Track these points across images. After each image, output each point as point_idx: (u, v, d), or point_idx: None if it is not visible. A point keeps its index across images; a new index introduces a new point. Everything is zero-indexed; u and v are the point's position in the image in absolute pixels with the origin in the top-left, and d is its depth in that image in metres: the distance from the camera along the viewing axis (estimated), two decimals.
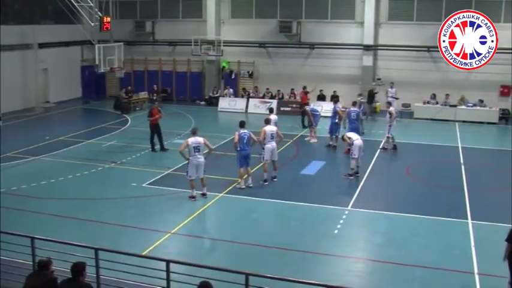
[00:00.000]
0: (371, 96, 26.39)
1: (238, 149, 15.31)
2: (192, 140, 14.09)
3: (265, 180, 15.90)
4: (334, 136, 20.58)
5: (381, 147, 20.21)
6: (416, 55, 27.28)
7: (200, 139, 14.16)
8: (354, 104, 20.85)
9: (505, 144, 21.29)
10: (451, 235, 12.49)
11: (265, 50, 29.92)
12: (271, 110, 19.51)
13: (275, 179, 16.21)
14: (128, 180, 16.17)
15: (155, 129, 19.66)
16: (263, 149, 15.95)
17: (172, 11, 31.35)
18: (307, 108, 22.25)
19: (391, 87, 26.45)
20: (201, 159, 14.13)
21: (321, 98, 27.49)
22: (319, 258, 11.19)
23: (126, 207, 14.14)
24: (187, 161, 14.26)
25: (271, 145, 15.94)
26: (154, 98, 29.69)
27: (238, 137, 15.24)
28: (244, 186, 15.41)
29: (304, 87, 25.84)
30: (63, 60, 30.52)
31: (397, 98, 25.97)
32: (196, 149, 14.07)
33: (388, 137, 20.09)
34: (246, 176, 15.55)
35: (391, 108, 20.35)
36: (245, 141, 15.27)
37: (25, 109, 27.38)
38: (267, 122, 16.58)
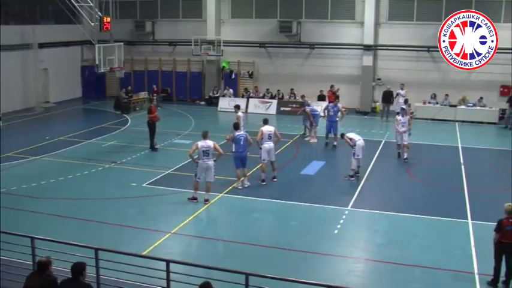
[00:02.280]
0: (389, 96, 26.28)
1: (233, 150, 15.31)
2: (201, 144, 13.96)
3: (263, 180, 15.91)
4: (334, 134, 20.62)
5: (405, 157, 18.38)
6: (416, 55, 27.27)
7: (210, 143, 14.03)
8: (406, 102, 22.10)
9: (505, 144, 21.29)
10: (451, 235, 12.49)
11: (265, 50, 29.91)
12: (237, 107, 19.45)
13: (275, 179, 16.21)
14: (128, 180, 16.17)
15: (152, 127, 19.67)
16: (260, 149, 15.93)
17: (172, 11, 31.35)
18: (307, 108, 22.25)
19: (402, 89, 25.83)
20: (210, 162, 14.03)
21: (321, 98, 27.47)
22: (319, 258, 11.19)
23: (126, 207, 14.14)
24: (196, 164, 14.14)
25: (268, 145, 15.88)
26: (154, 97, 29.69)
27: (233, 138, 15.24)
28: (241, 187, 15.42)
29: (332, 86, 26.00)
30: (63, 60, 30.53)
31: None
32: (206, 153, 13.94)
33: (406, 145, 18.45)
34: (242, 177, 15.56)
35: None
36: (241, 143, 15.24)
37: (25, 109, 27.38)
38: (265, 122, 16.46)
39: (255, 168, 17.26)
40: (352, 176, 16.56)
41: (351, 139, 16.58)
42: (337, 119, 20.62)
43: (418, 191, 15.88)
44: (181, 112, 27.79)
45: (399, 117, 18.80)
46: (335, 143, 20.51)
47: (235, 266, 8.90)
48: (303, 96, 25.16)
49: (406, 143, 18.43)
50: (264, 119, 16.84)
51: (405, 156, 18.43)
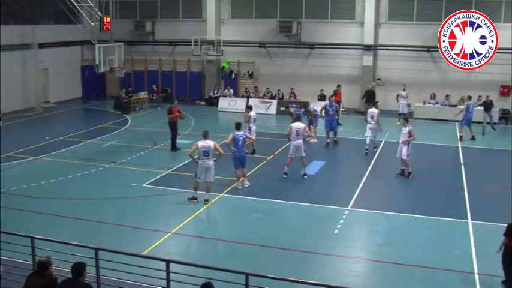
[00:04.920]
0: (371, 95, 26.26)
1: (233, 150, 15.32)
2: (201, 144, 13.96)
3: (285, 173, 16.36)
4: (334, 132, 20.93)
5: (398, 173, 16.90)
6: (416, 55, 27.27)
7: (210, 143, 14.02)
8: (470, 98, 22.68)
9: (505, 144, 21.30)
10: (451, 235, 12.49)
11: (265, 50, 29.91)
12: (249, 107, 20.05)
13: (305, 177, 16.37)
14: (128, 180, 16.16)
15: (174, 128, 19.65)
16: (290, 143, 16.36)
17: (172, 11, 31.35)
18: (310, 108, 22.27)
19: (404, 90, 25.38)
20: (211, 162, 14.03)
21: (321, 98, 27.47)
22: (319, 258, 11.19)
23: (126, 207, 14.14)
24: (196, 164, 14.17)
25: (296, 142, 16.14)
26: (154, 96, 29.69)
27: (232, 137, 15.28)
28: (241, 187, 15.43)
29: (339, 86, 26.20)
30: (63, 60, 30.51)
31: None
32: (206, 153, 13.94)
33: (405, 160, 16.67)
34: (242, 178, 15.57)
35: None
36: (240, 143, 15.27)
37: (25, 109, 27.36)
38: (297, 119, 16.98)
39: (255, 168, 17.28)
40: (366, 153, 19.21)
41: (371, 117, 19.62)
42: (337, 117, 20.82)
43: (418, 191, 15.89)
44: (181, 112, 27.68)
45: (403, 128, 16.77)
46: (335, 139, 20.79)
47: (235, 266, 8.90)
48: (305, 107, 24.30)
49: (404, 157, 16.48)
50: (297, 116, 17.66)
51: (409, 170, 16.65)
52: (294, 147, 16.22)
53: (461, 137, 21.98)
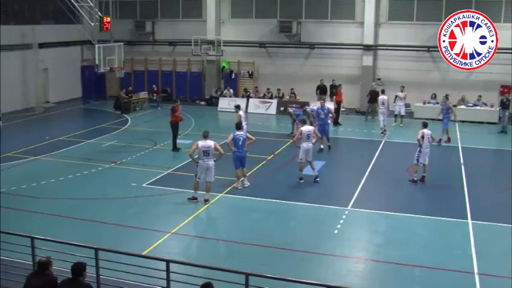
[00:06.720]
0: (374, 95, 26.27)
1: (233, 150, 15.32)
2: (202, 144, 13.96)
3: (301, 178, 16.10)
4: (326, 137, 20.22)
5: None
6: (416, 55, 27.27)
7: (211, 143, 14.01)
8: (447, 97, 23.46)
9: (505, 144, 21.29)
10: (451, 235, 12.49)
11: (265, 50, 29.91)
12: (237, 107, 19.60)
13: (317, 179, 16.12)
14: (128, 180, 16.16)
15: (175, 127, 19.65)
16: (299, 148, 16.07)
17: (172, 11, 31.35)
18: (308, 108, 22.24)
19: (401, 91, 24.98)
20: (211, 162, 14.03)
21: (322, 91, 27.40)
22: (319, 258, 11.19)
23: (126, 207, 14.13)
24: (196, 164, 14.17)
25: (306, 145, 15.95)
26: (154, 97, 29.69)
27: (232, 137, 15.25)
28: (241, 187, 15.43)
29: (339, 85, 26.16)
30: (63, 60, 30.52)
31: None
32: (206, 153, 13.93)
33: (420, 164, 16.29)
34: (242, 177, 15.57)
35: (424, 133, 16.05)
36: (240, 143, 15.25)
37: (25, 109, 27.37)
38: (304, 122, 16.74)
39: (255, 168, 17.28)
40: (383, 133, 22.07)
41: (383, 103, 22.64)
42: (329, 121, 20.50)
43: (418, 191, 15.88)
44: (181, 112, 27.66)
45: (425, 130, 16.12)
46: (329, 144, 20.25)
47: (235, 266, 8.91)
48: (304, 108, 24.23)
49: (414, 161, 16.33)
50: (302, 119, 17.43)
51: (414, 177, 16.26)
52: (304, 151, 15.95)
53: (440, 139, 20.69)
